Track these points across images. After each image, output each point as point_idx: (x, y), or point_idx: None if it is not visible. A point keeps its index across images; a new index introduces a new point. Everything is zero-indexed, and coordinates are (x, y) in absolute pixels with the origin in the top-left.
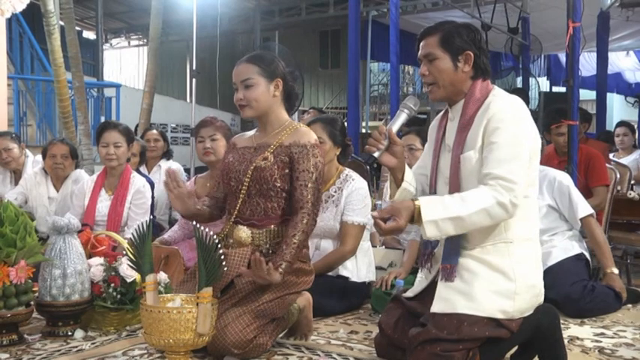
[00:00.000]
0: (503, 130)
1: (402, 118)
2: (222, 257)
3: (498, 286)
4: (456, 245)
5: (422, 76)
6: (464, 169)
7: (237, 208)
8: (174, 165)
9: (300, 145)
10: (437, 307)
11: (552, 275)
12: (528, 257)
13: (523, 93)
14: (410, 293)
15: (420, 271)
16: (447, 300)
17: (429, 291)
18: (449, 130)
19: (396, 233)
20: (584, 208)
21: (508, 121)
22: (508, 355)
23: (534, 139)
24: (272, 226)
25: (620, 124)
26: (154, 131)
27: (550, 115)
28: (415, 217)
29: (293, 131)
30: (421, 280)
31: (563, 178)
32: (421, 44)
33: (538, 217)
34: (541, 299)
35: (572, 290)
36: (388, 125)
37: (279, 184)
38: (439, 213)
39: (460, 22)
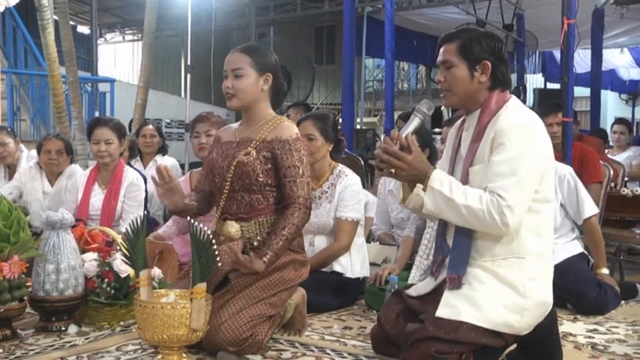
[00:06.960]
0: (507, 146)
1: (414, 123)
2: (217, 253)
3: (507, 299)
4: (464, 255)
5: (438, 82)
6: (472, 181)
7: (223, 203)
8: (169, 160)
9: (282, 140)
10: (442, 312)
11: (560, 275)
12: (541, 274)
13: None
14: (413, 292)
15: (422, 273)
16: (453, 306)
17: (433, 292)
18: (464, 140)
19: (393, 163)
20: (590, 206)
21: (513, 137)
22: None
23: (543, 156)
24: (261, 218)
25: (618, 121)
26: (150, 126)
27: (545, 107)
28: (424, 181)
29: (275, 126)
30: (426, 283)
31: (572, 174)
32: (440, 50)
33: (552, 233)
34: (546, 314)
35: (588, 290)
36: (401, 130)
37: (261, 179)
38: (444, 187)
39: (482, 30)
